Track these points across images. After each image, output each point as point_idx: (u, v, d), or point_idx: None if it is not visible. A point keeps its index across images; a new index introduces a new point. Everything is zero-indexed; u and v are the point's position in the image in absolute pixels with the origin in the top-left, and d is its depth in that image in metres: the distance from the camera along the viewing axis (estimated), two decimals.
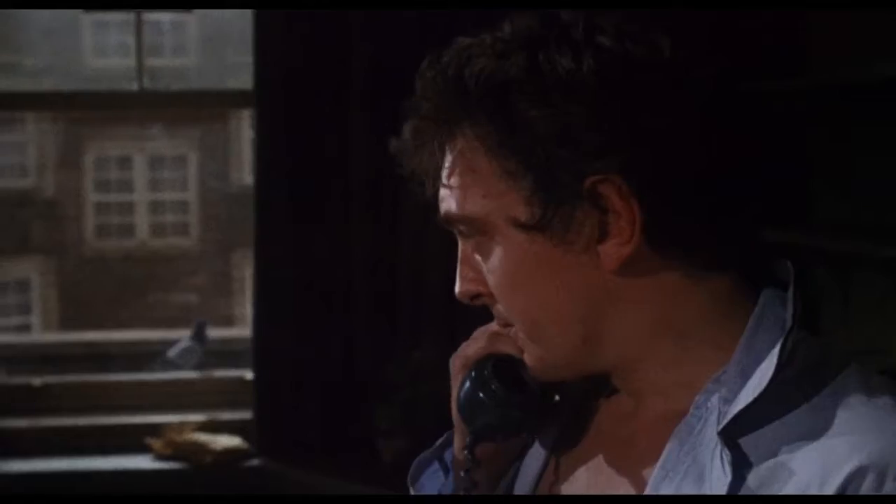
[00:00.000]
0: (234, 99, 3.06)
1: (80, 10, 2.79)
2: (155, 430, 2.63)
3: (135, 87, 2.78)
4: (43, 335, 11.89)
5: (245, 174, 12.27)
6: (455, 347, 0.89)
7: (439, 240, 2.54)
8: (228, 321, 11.72)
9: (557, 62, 0.72)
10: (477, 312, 2.60)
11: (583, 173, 0.72)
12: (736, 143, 0.75)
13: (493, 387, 0.82)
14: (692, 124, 0.73)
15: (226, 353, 4.82)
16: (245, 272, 12.17)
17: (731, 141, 0.75)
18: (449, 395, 0.90)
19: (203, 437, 2.60)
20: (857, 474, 0.67)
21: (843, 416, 0.70)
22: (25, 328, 12.73)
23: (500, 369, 0.83)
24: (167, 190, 13.88)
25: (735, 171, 0.75)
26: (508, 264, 0.77)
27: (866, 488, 0.67)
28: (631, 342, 0.77)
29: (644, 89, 0.72)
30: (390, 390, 2.52)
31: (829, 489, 0.67)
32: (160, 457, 2.58)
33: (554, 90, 0.72)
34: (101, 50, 12.79)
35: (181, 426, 2.62)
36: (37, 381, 2.79)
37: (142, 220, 13.78)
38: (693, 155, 0.73)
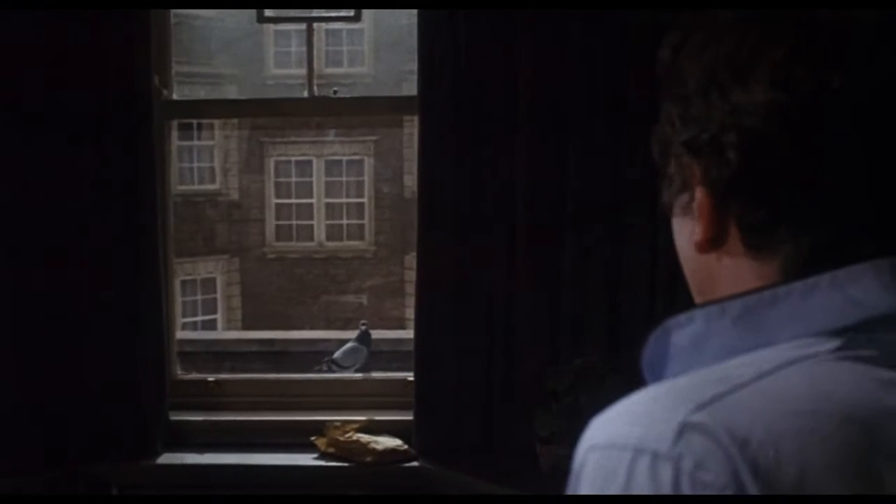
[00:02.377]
0: (403, 105, 3.10)
1: (264, 22, 2.90)
2: (320, 428, 2.69)
3: (305, 93, 2.86)
4: (223, 333, 12.37)
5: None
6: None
7: (602, 247, 2.52)
8: (400, 323, 11.92)
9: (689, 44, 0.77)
10: (638, 321, 2.53)
11: (679, 149, 0.76)
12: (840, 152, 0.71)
13: None
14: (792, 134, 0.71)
15: (396, 355, 4.91)
16: None
17: (833, 150, 0.71)
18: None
19: (365, 437, 2.64)
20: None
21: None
22: (210, 325, 13.31)
23: None
24: (343, 193, 14.24)
25: (837, 181, 0.71)
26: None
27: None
28: None
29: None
30: (550, 397, 2.50)
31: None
32: (323, 455, 2.64)
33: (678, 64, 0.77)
34: (282, 59, 13.24)
35: (344, 425, 2.67)
36: (211, 377, 2.90)
37: (319, 223, 14.19)
38: (788, 159, 0.71)
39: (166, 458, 2.67)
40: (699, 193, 0.75)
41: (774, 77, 0.71)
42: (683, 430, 0.63)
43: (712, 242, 0.76)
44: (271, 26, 9.86)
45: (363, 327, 3.51)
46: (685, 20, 0.80)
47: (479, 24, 2.54)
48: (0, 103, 2.55)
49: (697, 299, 0.81)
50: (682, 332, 0.74)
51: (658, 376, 0.75)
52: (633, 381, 2.54)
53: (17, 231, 2.58)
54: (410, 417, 2.67)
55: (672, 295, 2.48)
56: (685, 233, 0.79)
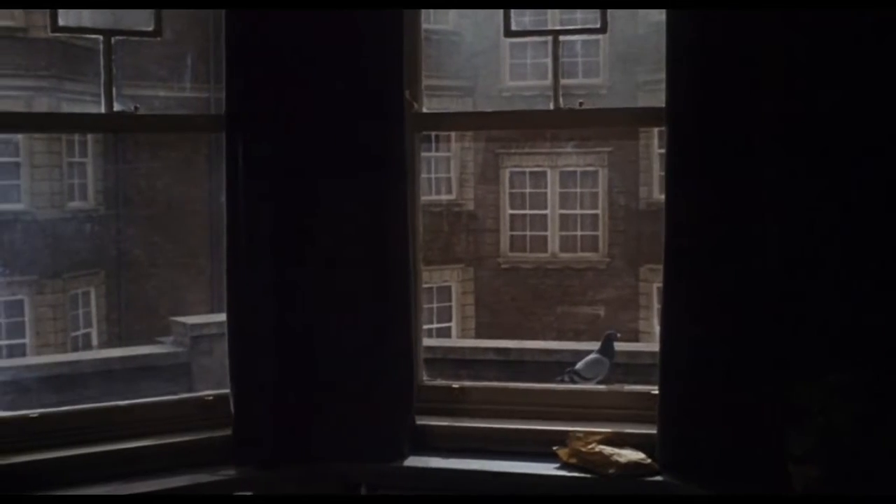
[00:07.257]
0: (646, 117, 3.06)
1: (510, 36, 2.97)
2: (561, 438, 2.70)
3: (550, 105, 2.87)
4: (459, 340, 12.61)
5: (652, 190, 12.30)
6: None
7: (854, 261, 2.40)
8: (634, 335, 11.78)
9: None
10: (884, 336, 2.37)
11: None
12: None
13: None
14: None
15: (632, 367, 4.86)
16: (652, 287, 12.19)
17: None
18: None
19: (608, 450, 2.62)
20: None
21: None
22: (445, 332, 13.61)
23: None
24: (578, 205, 14.23)
25: None
26: None
27: None
28: None
29: None
30: (804, 415, 2.40)
31: None
32: (565, 465, 2.65)
33: None
34: (518, 71, 13.39)
35: (587, 437, 2.66)
36: (455, 384, 2.96)
37: (553, 234, 14.23)
38: None
39: (412, 462, 2.74)
40: None
41: None
42: None
43: None
44: (508, 39, 9.99)
45: (614, 336, 3.49)
46: None
47: (727, 32, 2.48)
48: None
49: None
50: None
51: None
52: (881, 401, 2.37)
53: (278, 237, 2.71)
54: (654, 431, 2.63)
55: None
56: None
